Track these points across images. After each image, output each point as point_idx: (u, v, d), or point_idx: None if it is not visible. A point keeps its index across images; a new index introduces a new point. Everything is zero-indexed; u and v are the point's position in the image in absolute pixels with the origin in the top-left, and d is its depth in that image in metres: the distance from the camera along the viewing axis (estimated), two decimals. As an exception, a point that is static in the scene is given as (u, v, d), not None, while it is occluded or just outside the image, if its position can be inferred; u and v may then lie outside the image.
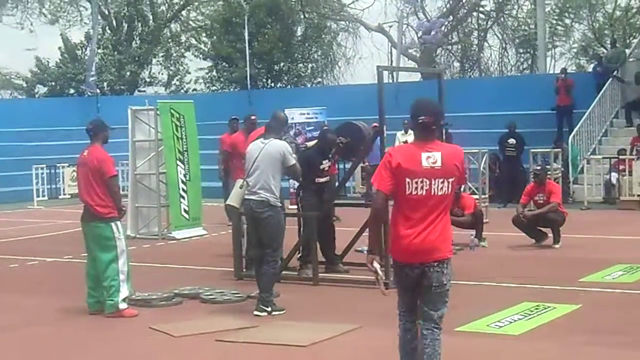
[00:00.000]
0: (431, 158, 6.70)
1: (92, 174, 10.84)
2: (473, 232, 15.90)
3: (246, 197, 10.93)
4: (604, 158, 24.35)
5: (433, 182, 6.68)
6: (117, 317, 10.73)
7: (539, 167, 17.32)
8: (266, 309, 10.68)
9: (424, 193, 6.68)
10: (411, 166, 6.68)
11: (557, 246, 15.55)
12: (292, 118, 27.31)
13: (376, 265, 6.98)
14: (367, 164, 23.92)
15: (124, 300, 10.87)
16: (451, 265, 6.85)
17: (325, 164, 13.18)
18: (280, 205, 11.04)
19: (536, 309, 10.47)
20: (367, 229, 7.06)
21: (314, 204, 12.96)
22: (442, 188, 6.71)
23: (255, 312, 10.71)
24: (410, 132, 25.72)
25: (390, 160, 6.76)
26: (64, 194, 29.71)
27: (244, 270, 12.91)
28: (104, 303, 10.91)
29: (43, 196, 29.13)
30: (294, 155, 11.25)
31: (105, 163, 10.92)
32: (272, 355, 8.78)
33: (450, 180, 6.73)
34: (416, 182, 6.67)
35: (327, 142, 13.29)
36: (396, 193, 6.76)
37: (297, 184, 14.09)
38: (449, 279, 6.81)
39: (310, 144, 14.49)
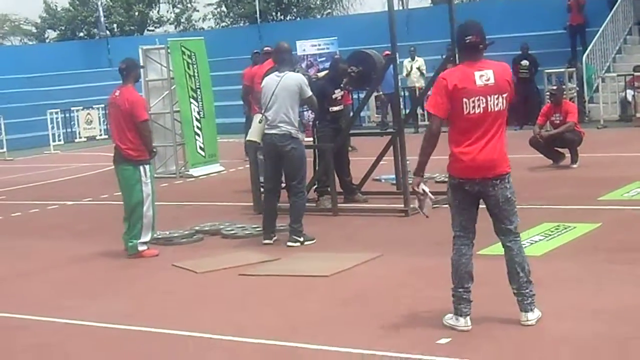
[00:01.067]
0: (484, 76, 6.89)
1: (124, 116, 10.73)
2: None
3: (266, 131, 10.92)
4: (618, 76, 24.18)
5: (489, 99, 6.87)
6: (137, 258, 10.80)
7: (555, 87, 17.25)
8: (299, 239, 10.77)
9: (481, 111, 6.87)
10: (467, 86, 6.85)
11: (575, 166, 15.53)
12: (304, 50, 27.26)
13: (424, 187, 7.26)
14: (380, 93, 23.90)
15: (144, 243, 10.91)
16: (511, 179, 7.05)
17: (338, 93, 13.15)
18: (301, 136, 11.06)
19: (556, 229, 10.49)
20: (421, 152, 7.29)
21: (330, 134, 12.97)
22: (497, 104, 6.90)
23: (289, 243, 10.82)
24: (417, 58, 25.78)
25: (446, 83, 6.90)
26: (80, 137, 29.77)
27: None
28: (124, 242, 10.98)
29: (59, 140, 29.20)
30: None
31: (137, 106, 10.81)
32: (295, 287, 8.83)
33: (504, 95, 6.94)
34: (473, 101, 6.85)
35: (338, 71, 13.25)
36: (454, 115, 6.94)
37: (312, 116, 14.08)
38: (512, 192, 7.03)
39: (322, 74, 14.44)
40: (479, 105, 6.86)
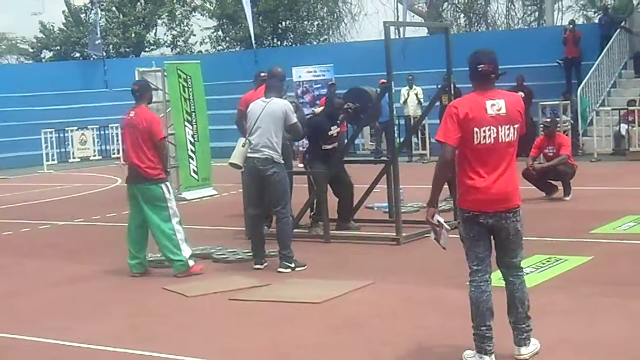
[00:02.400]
0: (495, 105, 6.75)
1: (142, 135, 10.75)
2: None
3: (249, 155, 10.97)
4: (613, 109, 24.27)
5: (500, 129, 6.73)
6: (186, 276, 10.74)
7: (548, 120, 17.29)
8: (289, 265, 10.77)
9: (492, 141, 6.72)
10: (478, 115, 6.71)
11: (567, 198, 15.54)
12: (300, 76, 27.34)
13: (438, 218, 7.03)
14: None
15: (190, 257, 10.92)
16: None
17: (334, 130, 13.18)
18: (283, 162, 11.09)
19: (548, 261, 10.49)
20: (434, 182, 7.05)
21: (321, 169, 12.97)
22: (508, 135, 6.75)
23: (279, 269, 10.81)
24: (415, 87, 25.85)
25: (457, 112, 6.75)
26: (74, 157, 29.75)
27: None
28: (172, 265, 10.91)
29: (53, 160, 29.16)
30: (295, 114, 11.28)
31: (155, 124, 10.90)
32: (285, 313, 8.81)
33: (516, 126, 6.80)
34: (484, 131, 6.71)
35: (334, 107, 13.28)
36: (463, 144, 6.77)
37: (306, 144, 14.12)
38: (522, 225, 6.95)
39: (318, 110, 14.47)
40: (489, 135, 6.72)
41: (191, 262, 10.94)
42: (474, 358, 6.91)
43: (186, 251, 10.92)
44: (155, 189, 10.84)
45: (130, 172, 11.01)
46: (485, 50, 7.00)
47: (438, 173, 7.01)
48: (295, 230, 12.12)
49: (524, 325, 6.96)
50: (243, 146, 11.10)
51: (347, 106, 13.25)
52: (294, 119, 11.06)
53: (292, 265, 10.77)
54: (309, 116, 13.97)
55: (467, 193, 6.89)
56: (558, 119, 21.39)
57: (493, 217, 6.81)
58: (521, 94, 24.30)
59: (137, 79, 19.00)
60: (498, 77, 6.92)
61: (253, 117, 11.02)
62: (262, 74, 14.66)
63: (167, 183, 11.00)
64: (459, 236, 7.06)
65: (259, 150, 10.84)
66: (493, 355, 6.84)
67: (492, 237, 6.94)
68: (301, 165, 14.57)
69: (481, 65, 6.83)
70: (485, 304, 6.91)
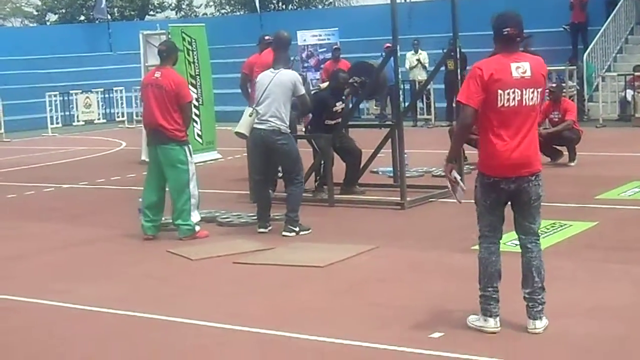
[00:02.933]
0: (520, 68, 6.66)
1: (168, 97, 10.71)
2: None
3: (256, 126, 10.95)
4: (619, 75, 24.15)
5: (524, 93, 6.65)
6: (191, 239, 10.79)
7: (554, 85, 17.20)
8: (294, 229, 10.76)
9: (515, 104, 6.65)
10: (503, 77, 6.63)
11: (572, 164, 15.50)
12: (304, 40, 27.22)
13: (455, 174, 7.12)
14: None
15: (197, 223, 10.94)
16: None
17: (339, 106, 13.14)
18: (290, 131, 11.07)
19: (553, 226, 10.46)
20: (454, 141, 7.29)
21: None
22: (532, 98, 6.69)
23: (284, 233, 10.80)
24: (421, 51, 25.73)
25: (481, 73, 6.67)
26: (78, 121, 29.71)
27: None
28: (177, 227, 10.95)
29: (57, 123, 29.09)
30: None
31: (184, 87, 10.96)
32: (289, 277, 8.80)
33: (539, 90, 6.74)
34: (508, 93, 6.63)
35: (339, 82, 13.22)
36: (487, 107, 6.70)
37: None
38: (543, 190, 6.87)
39: (323, 85, 14.42)
40: (513, 98, 6.63)
41: (197, 228, 10.94)
42: (478, 321, 6.91)
43: (195, 217, 10.94)
44: (179, 151, 10.84)
45: (153, 133, 10.94)
46: (511, 13, 6.86)
47: (458, 134, 7.13)
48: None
49: (539, 297, 6.85)
50: (250, 115, 11.07)
51: (353, 80, 13.20)
52: (302, 90, 11.03)
53: (297, 229, 10.76)
54: (314, 91, 13.91)
55: (489, 158, 6.84)
56: (564, 85, 21.29)
57: (515, 182, 6.75)
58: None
59: (141, 42, 18.99)
60: (523, 40, 6.85)
61: (261, 88, 10.98)
62: (267, 38, 14.61)
63: (190, 146, 11.02)
64: (473, 200, 7.05)
65: (267, 120, 10.81)
66: (498, 318, 6.85)
67: (510, 203, 6.90)
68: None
69: (507, 29, 6.70)
70: (494, 265, 6.92)
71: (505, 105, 6.64)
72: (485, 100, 6.65)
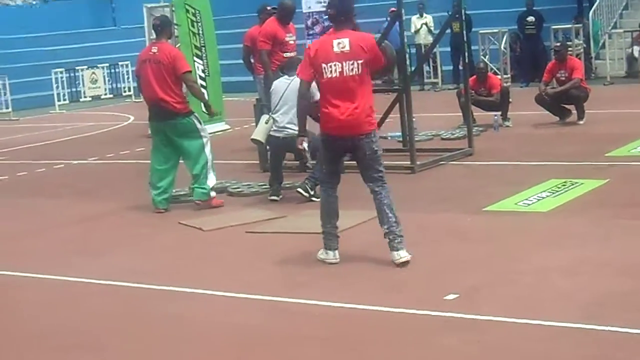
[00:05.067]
0: (341, 44, 7.80)
1: (167, 70, 10.75)
2: (497, 112, 15.81)
3: (273, 133, 11.06)
4: (625, 32, 24.00)
5: (344, 65, 7.75)
6: (206, 206, 10.91)
7: (558, 44, 17.16)
8: (309, 190, 10.69)
9: (337, 75, 7.78)
10: (325, 52, 7.82)
11: (581, 122, 15.46)
12: (309, 7, 27.04)
13: (305, 144, 8.51)
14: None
15: (212, 188, 11.04)
16: (377, 134, 7.99)
17: None
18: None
19: (564, 185, 10.46)
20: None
21: None
22: (352, 69, 7.76)
23: (298, 189, 10.85)
24: (426, 15, 25.62)
25: (309, 51, 7.97)
26: (85, 97, 29.69)
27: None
28: (192, 191, 11.09)
29: (64, 100, 29.06)
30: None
31: (179, 58, 10.92)
32: (301, 244, 8.81)
33: (360, 61, 7.76)
34: (330, 66, 7.79)
35: None
36: (319, 79, 7.92)
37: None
38: (378, 146, 7.96)
39: None
40: (335, 70, 7.77)
41: (213, 194, 11.04)
42: (322, 254, 8.09)
43: (211, 180, 11.04)
44: (188, 122, 10.91)
45: (155, 109, 10.97)
46: None
47: (298, 105, 8.46)
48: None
49: (397, 230, 7.82)
50: (266, 123, 11.14)
51: None
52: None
53: (312, 192, 10.69)
54: None
55: (324, 121, 7.98)
56: (570, 43, 21.19)
57: (349, 140, 7.87)
58: (532, 18, 24.21)
59: (145, 15, 18.96)
60: (349, 19, 7.99)
61: (277, 95, 11.06)
62: (269, 8, 14.58)
63: (196, 114, 11.10)
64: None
65: (284, 127, 10.89)
66: (336, 251, 8.02)
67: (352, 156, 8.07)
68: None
69: (328, 10, 8.12)
70: (331, 205, 8.12)
71: (330, 76, 7.81)
72: (315, 73, 7.91)
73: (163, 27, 11.11)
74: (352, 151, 7.99)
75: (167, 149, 11.05)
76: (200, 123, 11.07)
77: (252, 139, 11.45)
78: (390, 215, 7.83)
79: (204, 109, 11.76)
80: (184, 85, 11.07)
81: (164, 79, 10.76)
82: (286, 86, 10.96)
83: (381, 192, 7.92)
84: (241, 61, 15.64)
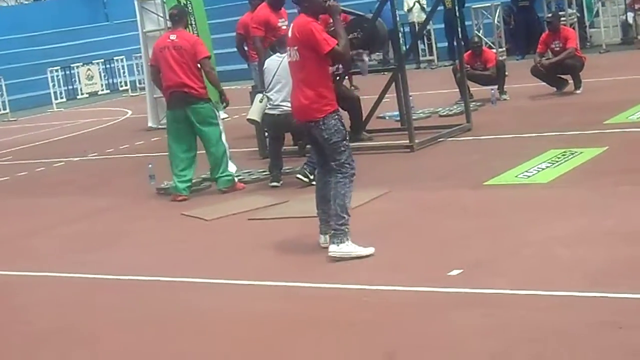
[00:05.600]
0: (290, 30, 7.82)
1: (189, 55, 10.92)
2: (494, 87, 15.81)
3: (268, 111, 11.14)
4: (618, -2, 23.99)
5: (291, 50, 7.81)
6: (232, 191, 11.11)
7: (550, 15, 17.15)
8: (309, 176, 10.68)
9: (290, 60, 7.85)
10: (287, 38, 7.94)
11: (578, 92, 15.45)
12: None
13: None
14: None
15: (235, 174, 11.45)
16: (334, 121, 7.64)
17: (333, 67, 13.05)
18: None
19: (563, 155, 10.46)
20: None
21: None
22: (294, 55, 7.75)
23: (298, 175, 10.87)
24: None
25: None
26: (82, 94, 29.73)
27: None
28: (216, 180, 11.24)
29: (61, 98, 29.11)
30: None
31: (199, 44, 11.10)
32: (305, 228, 8.81)
33: (295, 48, 7.70)
34: (289, 51, 7.88)
35: None
36: None
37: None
38: (331, 133, 7.63)
39: None
40: (290, 55, 7.84)
41: (236, 179, 11.31)
42: (319, 237, 8.02)
43: (232, 168, 11.41)
44: (208, 107, 11.13)
45: (179, 95, 11.01)
46: None
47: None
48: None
49: (333, 223, 7.61)
50: (260, 102, 11.18)
51: (353, 36, 13.09)
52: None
53: (311, 177, 10.66)
54: None
55: None
56: (563, 13, 21.16)
57: (304, 126, 7.84)
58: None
59: (137, 9, 18.91)
60: (300, 3, 7.81)
61: (269, 74, 11.12)
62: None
63: (212, 102, 11.26)
64: None
65: (279, 105, 10.93)
66: (327, 236, 7.82)
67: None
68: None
69: None
70: (319, 191, 7.99)
71: (289, 61, 7.92)
72: None
73: (181, 16, 11.38)
74: (308, 136, 8.01)
75: (189, 136, 11.20)
76: (218, 110, 11.36)
77: (248, 119, 11.48)
78: (332, 206, 7.63)
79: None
80: None
81: (187, 63, 10.92)
82: (278, 64, 10.95)
83: (330, 181, 7.73)
84: (235, 49, 15.61)
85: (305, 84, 7.68)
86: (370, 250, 7.55)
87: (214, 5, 26.09)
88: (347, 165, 7.69)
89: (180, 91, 10.95)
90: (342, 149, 7.67)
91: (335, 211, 7.58)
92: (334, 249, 7.53)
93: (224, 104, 11.36)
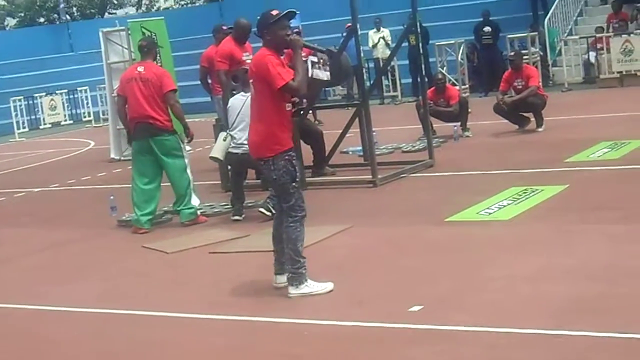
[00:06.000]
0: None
1: (155, 88, 10.97)
2: (456, 123, 15.90)
3: (231, 150, 11.12)
4: (581, 38, 24.21)
5: (251, 83, 7.66)
6: (193, 224, 11.10)
7: (512, 53, 17.29)
8: (272, 210, 10.65)
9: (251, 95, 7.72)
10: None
11: (540, 129, 15.56)
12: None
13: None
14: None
15: (198, 207, 11.45)
16: (283, 162, 7.42)
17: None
18: None
19: (524, 192, 10.51)
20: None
21: None
22: (252, 89, 7.63)
23: (260, 209, 10.82)
24: (383, 29, 25.72)
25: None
26: (45, 124, 29.58)
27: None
28: (179, 212, 11.30)
29: (24, 128, 28.95)
30: None
31: (166, 77, 11.17)
32: (266, 262, 8.73)
33: (251, 81, 7.62)
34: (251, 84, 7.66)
35: None
36: None
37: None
38: (279, 175, 7.43)
39: None
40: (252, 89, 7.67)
41: (198, 212, 11.31)
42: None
43: (195, 201, 11.36)
44: (173, 139, 11.20)
45: (143, 126, 11.05)
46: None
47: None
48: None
49: (289, 267, 7.51)
50: (224, 140, 11.17)
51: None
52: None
53: (274, 211, 10.63)
54: None
55: None
56: (525, 51, 21.36)
57: (257, 162, 7.74)
58: (488, 28, 24.39)
59: (101, 40, 18.90)
60: (262, 36, 7.57)
61: (234, 112, 11.11)
62: (224, 27, 14.54)
63: (178, 133, 11.34)
64: None
65: (242, 144, 10.83)
66: (278, 276, 7.75)
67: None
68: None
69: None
70: (274, 231, 7.81)
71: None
72: None
73: (149, 49, 11.41)
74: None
75: (153, 169, 11.20)
76: (182, 143, 11.37)
77: (211, 157, 11.49)
78: (286, 250, 7.50)
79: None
80: None
81: (152, 96, 10.97)
82: (242, 103, 10.95)
83: (283, 224, 7.55)
84: (198, 82, 15.60)
85: (259, 119, 7.55)
86: (329, 286, 7.48)
87: (178, 38, 26.12)
88: (298, 208, 7.47)
89: (144, 122, 10.99)
90: (292, 190, 7.44)
91: (289, 256, 7.46)
92: (293, 292, 7.45)
93: (189, 138, 11.34)
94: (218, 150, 11.30)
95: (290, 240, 7.44)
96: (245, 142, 10.66)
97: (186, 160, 11.36)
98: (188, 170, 11.35)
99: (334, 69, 12.71)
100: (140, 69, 11.13)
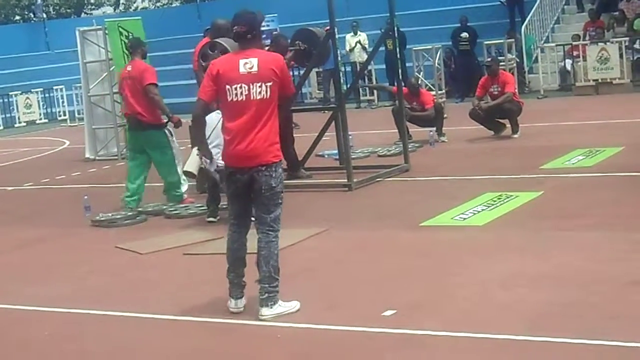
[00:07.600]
0: (248, 64, 7.02)
1: (139, 84, 11.69)
2: (432, 128, 15.94)
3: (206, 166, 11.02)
4: (557, 45, 24.33)
5: (251, 87, 6.98)
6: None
7: (489, 59, 17.34)
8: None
9: (243, 98, 7.00)
10: (230, 73, 7.02)
11: (515, 136, 15.62)
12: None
13: (204, 160, 8.64)
14: (321, 69, 23.80)
15: (185, 191, 12.31)
16: (280, 170, 7.13)
17: None
18: None
19: (499, 198, 10.54)
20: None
21: None
22: (260, 92, 6.99)
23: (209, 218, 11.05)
24: (360, 33, 25.75)
25: (212, 69, 7.14)
26: (19, 122, 29.45)
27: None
28: (168, 195, 12.19)
29: (-2, 126, 28.86)
30: None
31: (146, 72, 11.76)
32: (240, 265, 8.79)
33: (268, 84, 7.01)
34: (235, 88, 7.00)
35: (280, 47, 13.10)
36: (221, 101, 7.15)
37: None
38: (278, 182, 7.08)
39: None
40: (241, 93, 6.99)
41: (185, 195, 12.24)
42: (228, 301, 7.31)
43: (184, 187, 12.38)
44: (159, 134, 11.94)
45: (134, 120, 11.91)
46: (242, 12, 7.25)
47: (192, 125, 7.93)
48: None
49: (266, 285, 7.05)
50: (198, 155, 11.10)
51: (297, 44, 13.13)
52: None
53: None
54: None
55: (225, 148, 7.22)
56: (502, 58, 21.43)
57: (248, 172, 7.02)
58: (465, 34, 24.47)
59: (78, 39, 18.83)
60: (257, 37, 7.21)
61: (209, 128, 10.99)
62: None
63: (168, 128, 12.05)
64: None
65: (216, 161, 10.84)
66: (239, 300, 7.25)
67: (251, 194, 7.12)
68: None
69: (235, 27, 7.15)
70: (235, 252, 7.27)
71: (234, 99, 7.02)
72: (219, 94, 7.09)
73: (134, 47, 12.24)
74: (249, 185, 7.06)
75: (144, 154, 11.97)
76: (172, 135, 12.02)
77: (184, 171, 11.52)
78: (264, 269, 7.04)
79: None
80: None
81: (138, 92, 11.65)
82: (218, 120, 10.89)
83: (262, 240, 7.08)
84: (176, 82, 15.60)
85: (266, 123, 7.02)
86: (296, 305, 7.21)
87: (156, 39, 26.06)
88: (279, 220, 7.16)
89: (134, 117, 11.79)
90: (280, 201, 7.14)
91: (268, 273, 7.04)
92: (268, 313, 7.03)
93: (174, 124, 11.96)
94: (192, 164, 11.25)
95: (272, 257, 7.07)
96: (220, 161, 10.69)
97: (176, 150, 12.04)
98: (178, 158, 12.04)
99: (315, 50, 12.90)
100: (129, 67, 11.96)
